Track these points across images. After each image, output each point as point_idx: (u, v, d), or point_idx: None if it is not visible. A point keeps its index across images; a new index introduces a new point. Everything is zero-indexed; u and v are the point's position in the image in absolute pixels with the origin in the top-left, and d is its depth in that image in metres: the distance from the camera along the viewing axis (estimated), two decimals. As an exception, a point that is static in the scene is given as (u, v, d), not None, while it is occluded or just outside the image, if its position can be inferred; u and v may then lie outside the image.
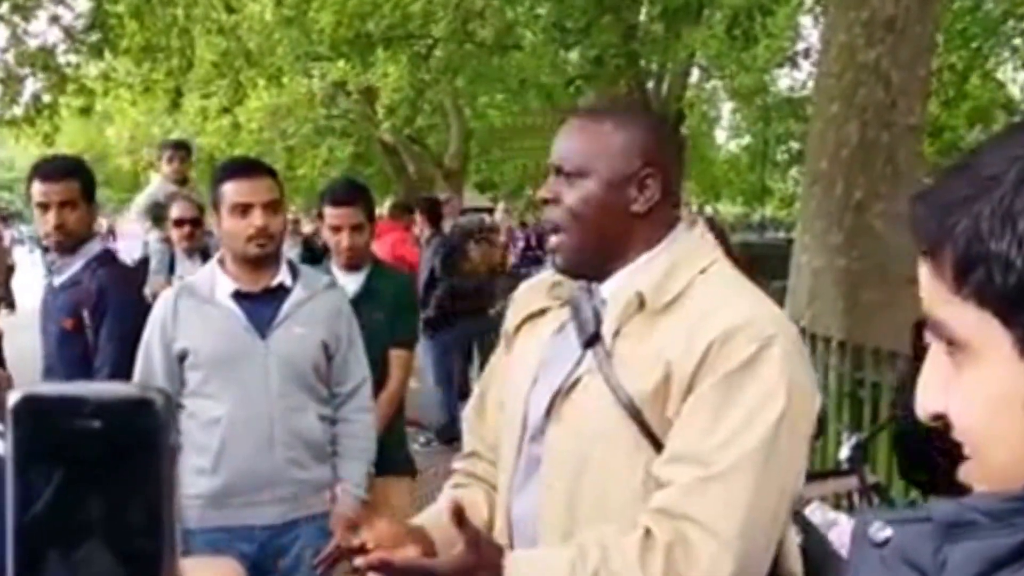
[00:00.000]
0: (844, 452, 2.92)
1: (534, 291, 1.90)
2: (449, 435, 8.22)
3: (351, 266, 3.73)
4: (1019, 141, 0.70)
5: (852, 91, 7.89)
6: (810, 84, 22.97)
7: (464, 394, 9.64)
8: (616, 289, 1.72)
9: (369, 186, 4.25)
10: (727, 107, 29.54)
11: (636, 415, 1.62)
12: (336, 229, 3.68)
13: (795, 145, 22.76)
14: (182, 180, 6.96)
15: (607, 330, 1.69)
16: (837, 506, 2.79)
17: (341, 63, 17.01)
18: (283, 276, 3.07)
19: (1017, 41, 16.26)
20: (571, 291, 1.77)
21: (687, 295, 1.65)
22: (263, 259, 3.01)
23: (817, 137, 8.27)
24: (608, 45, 9.21)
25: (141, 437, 0.51)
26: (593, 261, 1.73)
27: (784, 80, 25.65)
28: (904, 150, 8.02)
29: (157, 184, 7.11)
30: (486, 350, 10.74)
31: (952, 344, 0.74)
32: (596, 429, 1.66)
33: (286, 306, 3.03)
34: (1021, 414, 0.70)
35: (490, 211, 30.03)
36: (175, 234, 5.70)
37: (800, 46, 21.02)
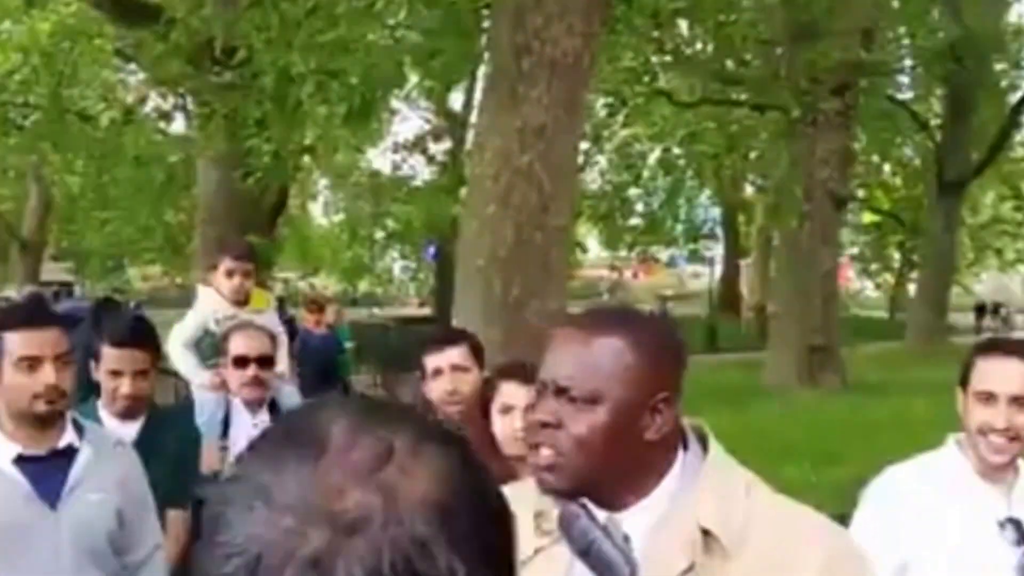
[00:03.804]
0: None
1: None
2: None
3: (128, 415, 3.34)
4: None
5: (507, 193, 8.22)
6: (406, 168, 23.78)
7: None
8: (644, 528, 1.50)
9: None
10: (323, 183, 29.68)
11: None
12: (115, 374, 3.28)
13: (391, 224, 23.22)
14: None
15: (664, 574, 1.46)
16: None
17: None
18: (70, 436, 2.71)
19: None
20: (574, 527, 1.51)
21: (750, 528, 1.47)
22: (51, 417, 2.64)
23: (473, 236, 8.51)
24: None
25: None
26: (600, 489, 1.52)
27: (380, 161, 26.24)
28: (556, 250, 8.47)
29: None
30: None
31: None
32: None
33: (75, 470, 2.68)
34: None
35: (70, 284, 28.07)
36: None
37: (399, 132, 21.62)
